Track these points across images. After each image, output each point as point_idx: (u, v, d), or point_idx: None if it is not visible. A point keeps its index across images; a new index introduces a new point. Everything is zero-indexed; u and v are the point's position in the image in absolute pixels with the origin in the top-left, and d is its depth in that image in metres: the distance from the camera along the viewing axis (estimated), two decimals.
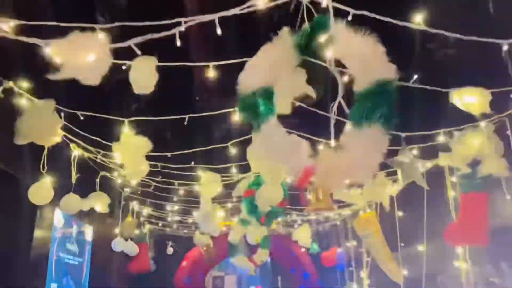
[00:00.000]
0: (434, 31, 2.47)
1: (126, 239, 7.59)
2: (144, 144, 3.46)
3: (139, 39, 2.22)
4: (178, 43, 2.28)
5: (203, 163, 4.90)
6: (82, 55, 1.95)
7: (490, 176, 4.42)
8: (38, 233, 5.56)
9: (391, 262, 6.88)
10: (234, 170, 5.09)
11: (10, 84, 3.37)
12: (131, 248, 7.67)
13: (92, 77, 2.02)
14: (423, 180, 4.18)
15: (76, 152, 4.70)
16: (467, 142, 4.28)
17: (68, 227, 6.64)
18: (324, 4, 2.08)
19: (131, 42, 2.23)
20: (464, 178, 4.63)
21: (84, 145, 4.62)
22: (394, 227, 6.52)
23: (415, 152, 4.51)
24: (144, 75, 2.35)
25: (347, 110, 2.01)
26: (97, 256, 7.76)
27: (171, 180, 5.71)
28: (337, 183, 1.91)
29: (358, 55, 1.83)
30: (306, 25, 2.04)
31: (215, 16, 2.24)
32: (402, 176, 3.94)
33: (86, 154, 4.85)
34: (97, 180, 5.54)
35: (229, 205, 7.02)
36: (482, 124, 4.21)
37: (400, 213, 6.51)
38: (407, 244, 6.61)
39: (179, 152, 4.42)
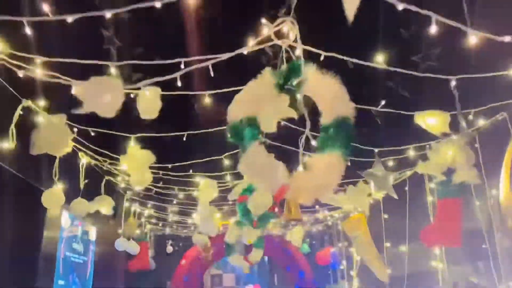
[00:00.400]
0: (392, 68, 2.88)
1: (128, 239, 8.00)
2: (148, 156, 3.88)
3: (147, 82, 2.63)
4: (179, 83, 2.69)
5: (201, 171, 5.33)
6: (101, 95, 2.35)
7: (463, 183, 4.84)
8: (47, 233, 5.97)
9: (377, 262, 7.30)
10: (228, 177, 5.53)
11: (29, 102, 3.79)
12: (133, 247, 8.08)
13: (108, 112, 2.42)
14: (393, 191, 4.60)
15: (84, 160, 5.13)
16: (442, 153, 4.72)
17: (74, 228, 7.06)
18: (298, 52, 2.49)
19: (141, 85, 2.64)
20: (440, 185, 5.04)
21: (91, 153, 5.04)
22: (381, 229, 6.97)
23: (390, 163, 4.95)
24: (149, 103, 2.76)
25: (313, 142, 2.43)
26: (99, 254, 8.19)
27: (172, 186, 6.13)
28: (305, 198, 2.33)
29: (324, 95, 2.25)
30: (284, 66, 2.45)
31: (208, 63, 2.66)
32: (375, 187, 4.36)
33: (93, 162, 5.26)
34: (102, 184, 5.98)
35: (226, 207, 7.46)
36: (455, 137, 4.63)
37: (385, 216, 6.95)
38: (392, 245, 7.04)
39: (179, 164, 4.84)
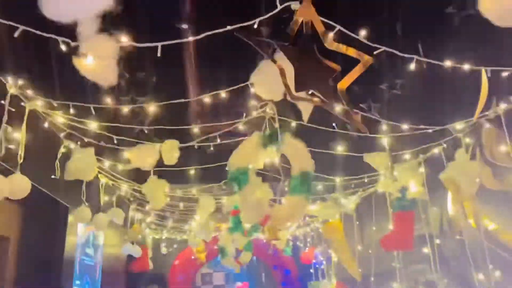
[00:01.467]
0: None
1: (132, 243, 9.04)
2: (164, 184, 4.94)
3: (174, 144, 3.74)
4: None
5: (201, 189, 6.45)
6: (145, 159, 3.45)
7: (415, 199, 6.01)
8: (68, 241, 7.01)
9: (351, 262, 8.45)
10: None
11: (69, 142, 4.83)
12: (137, 251, 9.13)
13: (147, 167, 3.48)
14: (353, 211, 5.76)
15: (103, 180, 6.18)
16: (398, 175, 5.89)
17: (87, 235, 8.10)
18: (276, 125, 3.60)
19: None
20: (396, 200, 6.20)
21: (109, 176, 6.08)
22: (353, 234, 8.15)
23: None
24: (171, 153, 3.85)
25: (287, 188, 3.54)
26: (106, 257, 9.23)
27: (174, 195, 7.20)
28: (280, 225, 3.43)
29: (293, 154, 3.34)
30: (267, 132, 3.55)
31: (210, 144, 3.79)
32: (337, 207, 5.51)
33: (111, 182, 6.31)
34: (114, 198, 7.04)
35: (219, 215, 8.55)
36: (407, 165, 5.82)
37: (357, 223, 8.13)
38: (363, 248, 8.22)
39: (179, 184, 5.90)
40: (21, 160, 3.69)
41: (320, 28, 2.05)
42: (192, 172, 5.39)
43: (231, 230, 6.38)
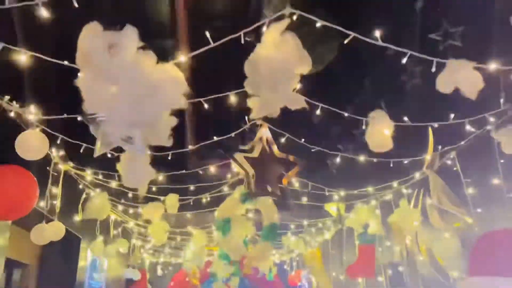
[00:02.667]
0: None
1: (133, 267, 10.14)
2: (166, 226, 6.09)
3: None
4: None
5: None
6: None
7: (375, 234, 7.18)
8: (79, 266, 8.10)
9: (328, 285, 9.58)
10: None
11: (89, 192, 5.98)
12: (137, 275, 10.22)
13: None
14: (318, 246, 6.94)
15: (113, 216, 7.31)
16: (359, 214, 7.08)
17: (94, 261, 9.17)
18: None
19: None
20: (360, 235, 7.36)
21: (118, 212, 7.23)
22: (328, 261, 9.30)
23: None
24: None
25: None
26: (109, 280, 10.29)
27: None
28: (254, 264, 4.59)
29: (264, 209, 4.51)
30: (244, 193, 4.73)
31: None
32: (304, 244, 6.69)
33: (119, 218, 7.45)
34: (120, 229, 8.17)
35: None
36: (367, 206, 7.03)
37: (333, 252, 9.29)
38: (336, 274, 9.36)
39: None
40: (58, 210, 4.83)
41: (272, 143, 3.26)
42: (188, 215, 6.57)
43: (220, 257, 7.51)
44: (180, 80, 2.20)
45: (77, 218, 5.74)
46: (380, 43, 2.60)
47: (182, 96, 2.18)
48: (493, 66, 2.85)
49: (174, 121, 2.31)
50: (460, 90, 2.63)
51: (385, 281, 7.04)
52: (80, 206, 5.84)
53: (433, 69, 2.68)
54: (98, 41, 2.14)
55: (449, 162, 4.80)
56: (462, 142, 4.42)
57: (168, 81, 2.19)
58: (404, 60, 2.70)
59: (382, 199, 6.86)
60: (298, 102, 2.48)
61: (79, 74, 2.25)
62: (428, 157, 5.61)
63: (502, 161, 4.04)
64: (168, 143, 2.29)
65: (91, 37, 2.16)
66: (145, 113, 2.17)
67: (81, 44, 2.17)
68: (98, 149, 2.59)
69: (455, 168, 4.72)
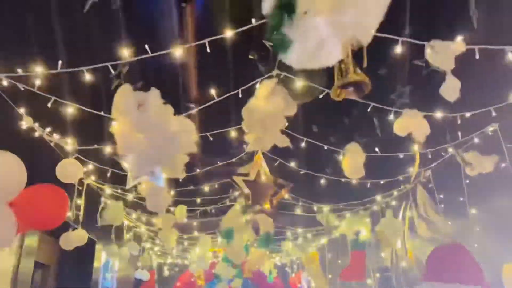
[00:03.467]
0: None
1: (142, 269, 10.81)
2: (175, 232, 6.76)
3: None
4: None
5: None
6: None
7: (365, 240, 7.82)
8: (95, 267, 8.80)
9: (325, 286, 10.24)
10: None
11: (107, 201, 6.67)
12: (146, 276, 10.90)
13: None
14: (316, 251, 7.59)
15: (126, 222, 8.00)
16: (350, 222, 7.73)
17: (107, 262, 9.88)
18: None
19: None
20: (352, 242, 8.01)
21: (131, 219, 7.92)
22: (325, 265, 9.96)
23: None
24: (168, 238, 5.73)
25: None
26: (119, 280, 11.00)
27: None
28: (253, 267, 5.26)
29: (261, 220, 5.18)
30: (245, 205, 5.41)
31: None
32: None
33: (131, 224, 8.14)
34: (132, 233, 8.86)
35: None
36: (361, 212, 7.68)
37: (329, 255, 9.94)
38: (333, 276, 10.01)
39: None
40: (82, 220, 5.51)
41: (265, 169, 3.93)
42: (195, 223, 7.25)
43: (223, 261, 8.19)
44: (192, 130, 2.88)
45: (96, 224, 6.42)
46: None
47: (193, 142, 2.85)
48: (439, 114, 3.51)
49: (186, 158, 2.98)
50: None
51: (375, 284, 7.67)
52: (98, 214, 6.51)
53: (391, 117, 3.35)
54: (130, 100, 2.82)
55: (424, 180, 5.45)
56: (433, 165, 5.08)
57: (182, 130, 2.86)
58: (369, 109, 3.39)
59: (371, 209, 7.50)
60: (284, 142, 3.14)
61: (113, 122, 2.92)
62: (414, 174, 6.30)
63: (467, 181, 4.68)
64: (182, 176, 2.96)
65: (124, 96, 2.84)
66: (165, 155, 2.84)
67: (116, 101, 2.85)
68: (130, 182, 3.27)
69: (430, 185, 5.37)
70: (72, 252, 8.13)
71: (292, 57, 1.84)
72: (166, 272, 15.56)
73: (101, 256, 9.31)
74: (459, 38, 2.93)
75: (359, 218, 7.60)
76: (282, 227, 7.28)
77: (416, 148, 5.37)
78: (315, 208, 6.63)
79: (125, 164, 3.17)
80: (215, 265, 10.14)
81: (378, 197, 6.71)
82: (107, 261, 9.92)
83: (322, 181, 5.48)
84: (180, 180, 5.14)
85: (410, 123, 3.21)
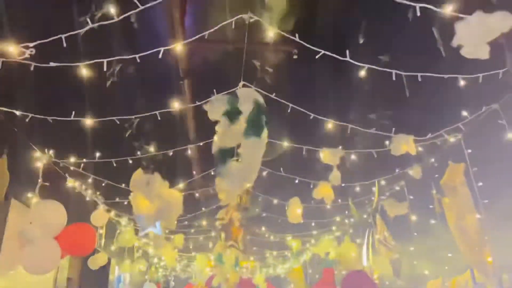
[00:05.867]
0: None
1: (150, 281, 12.49)
2: (176, 252, 8.39)
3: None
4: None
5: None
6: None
7: (333, 259, 9.44)
8: (110, 280, 10.48)
9: None
10: None
11: (122, 227, 8.36)
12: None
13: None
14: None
15: (137, 243, 9.69)
16: (321, 244, 9.36)
17: (119, 276, 11.57)
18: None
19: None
20: (322, 260, 9.62)
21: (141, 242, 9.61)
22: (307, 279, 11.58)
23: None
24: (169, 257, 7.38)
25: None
26: None
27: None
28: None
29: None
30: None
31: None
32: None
33: (139, 244, 9.83)
34: (141, 250, 10.56)
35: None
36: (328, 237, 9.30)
37: (310, 271, 11.56)
38: None
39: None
40: (103, 245, 7.19)
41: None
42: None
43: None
44: (180, 198, 4.57)
45: (113, 247, 8.11)
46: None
47: (181, 207, 4.53)
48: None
49: (177, 216, 4.66)
50: None
51: None
52: (115, 238, 8.21)
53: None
54: (141, 179, 4.53)
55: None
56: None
57: (174, 199, 4.56)
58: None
59: (334, 234, 9.14)
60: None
61: (131, 193, 4.63)
62: (374, 204, 7.97)
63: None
64: (173, 227, 4.65)
65: (138, 177, 4.55)
66: (164, 215, 4.54)
67: (133, 180, 4.56)
68: (140, 231, 4.95)
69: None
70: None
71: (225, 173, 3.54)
72: (172, 283, 17.25)
73: (115, 270, 11.00)
74: None
75: (328, 241, 9.22)
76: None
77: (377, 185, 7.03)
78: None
79: (137, 220, 4.86)
80: (213, 277, 11.84)
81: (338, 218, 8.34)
82: (119, 275, 11.61)
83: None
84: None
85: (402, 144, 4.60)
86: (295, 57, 4.51)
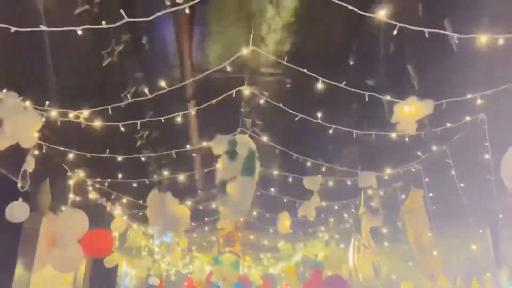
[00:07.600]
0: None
1: (154, 276, 13.50)
2: (180, 253, 9.37)
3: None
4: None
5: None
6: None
7: (322, 260, 10.43)
8: (118, 274, 11.50)
9: None
10: None
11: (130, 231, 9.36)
12: (156, 281, 13.59)
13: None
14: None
15: (144, 242, 10.69)
16: (310, 247, 10.36)
17: (126, 271, 12.60)
18: None
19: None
20: (312, 261, 10.61)
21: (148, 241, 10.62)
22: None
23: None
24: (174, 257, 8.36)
25: None
26: (136, 286, 13.73)
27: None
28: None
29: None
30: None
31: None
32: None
33: (146, 243, 10.83)
34: (147, 249, 11.57)
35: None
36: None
37: (301, 270, 12.59)
38: None
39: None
40: (116, 247, 8.17)
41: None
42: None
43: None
44: (188, 213, 5.57)
45: (125, 245, 9.09)
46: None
47: (189, 220, 5.53)
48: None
49: (185, 227, 5.65)
50: None
51: None
52: (125, 238, 9.21)
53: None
54: (157, 199, 5.52)
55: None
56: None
57: (183, 214, 5.56)
58: None
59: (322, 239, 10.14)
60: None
61: (148, 209, 5.62)
62: (361, 210, 9.00)
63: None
64: (182, 235, 5.64)
65: (154, 197, 5.55)
66: (174, 226, 5.55)
67: (150, 198, 5.56)
68: (155, 239, 5.94)
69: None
70: (103, 264, 10.89)
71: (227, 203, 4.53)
72: (172, 277, 18.30)
73: (123, 266, 12.02)
74: None
75: (317, 244, 10.22)
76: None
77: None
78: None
79: (152, 230, 5.86)
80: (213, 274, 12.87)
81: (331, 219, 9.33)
82: (126, 270, 12.64)
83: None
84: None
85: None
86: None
